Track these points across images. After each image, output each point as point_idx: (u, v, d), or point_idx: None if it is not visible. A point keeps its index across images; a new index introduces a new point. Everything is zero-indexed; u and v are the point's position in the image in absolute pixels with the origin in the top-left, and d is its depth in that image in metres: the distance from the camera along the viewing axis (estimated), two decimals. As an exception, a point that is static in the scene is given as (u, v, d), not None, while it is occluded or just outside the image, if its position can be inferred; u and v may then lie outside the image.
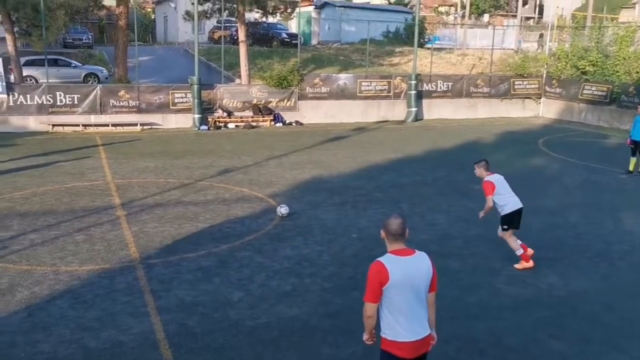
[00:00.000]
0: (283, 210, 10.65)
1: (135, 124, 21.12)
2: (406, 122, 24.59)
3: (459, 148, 18.40)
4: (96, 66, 26.92)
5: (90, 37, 37.68)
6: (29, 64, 23.99)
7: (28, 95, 20.14)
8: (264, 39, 34.07)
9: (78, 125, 20.44)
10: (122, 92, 21.44)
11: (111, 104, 21.19)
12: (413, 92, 24.76)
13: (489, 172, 8.30)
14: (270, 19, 30.72)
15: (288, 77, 23.30)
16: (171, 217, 10.54)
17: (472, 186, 13.29)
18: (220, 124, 22.22)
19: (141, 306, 6.94)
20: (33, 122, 20.16)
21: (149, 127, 21.43)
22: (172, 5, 41.15)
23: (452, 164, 15.69)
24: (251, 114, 23.00)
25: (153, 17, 53.73)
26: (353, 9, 42.45)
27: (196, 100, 21.48)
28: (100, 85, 21.66)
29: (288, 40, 33.73)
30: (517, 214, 8.27)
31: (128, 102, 21.42)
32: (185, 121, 21.85)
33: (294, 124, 23.38)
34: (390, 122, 24.43)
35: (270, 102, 23.35)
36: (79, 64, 26.94)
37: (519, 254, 8.33)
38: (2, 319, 6.53)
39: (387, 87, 25.19)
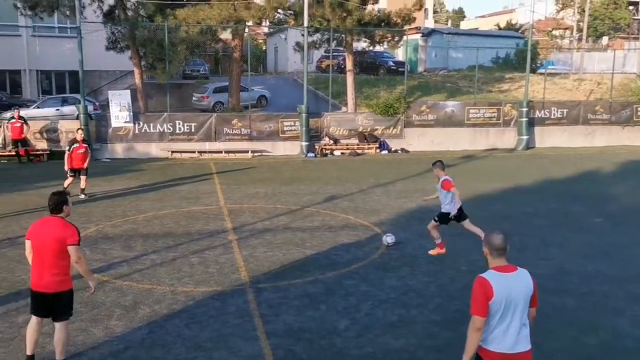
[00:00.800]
0: (389, 239, 10.61)
1: (247, 151, 22.03)
2: (516, 150, 23.78)
3: (574, 178, 17.48)
4: (264, 90, 29.53)
5: (206, 68, 40.01)
6: (217, 91, 28.09)
7: (151, 124, 21.68)
8: (371, 67, 34.48)
9: (194, 152, 21.66)
10: (235, 121, 22.51)
11: (225, 132, 22.29)
12: (524, 119, 23.95)
13: (444, 172, 9.80)
14: (378, 48, 31.05)
15: (394, 104, 23.39)
16: (279, 242, 10.83)
17: (590, 219, 12.57)
18: (327, 151, 22.64)
19: (251, 329, 7.16)
20: (155, 149, 21.63)
21: (259, 154, 22.27)
22: (283, 36, 42.78)
23: (566, 195, 14.94)
24: (357, 141, 23.25)
25: (264, 48, 56.07)
26: (461, 35, 41.97)
27: (304, 128, 22.09)
28: (216, 114, 22.85)
29: (395, 68, 33.93)
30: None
31: (240, 130, 22.43)
32: (293, 148, 22.50)
33: (399, 152, 23.34)
34: (499, 151, 23.73)
35: (376, 129, 23.51)
36: (253, 88, 29.45)
37: (437, 242, 9.98)
38: (127, 334, 7.00)
39: (496, 114, 24.55)
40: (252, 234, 11.41)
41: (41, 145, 21.00)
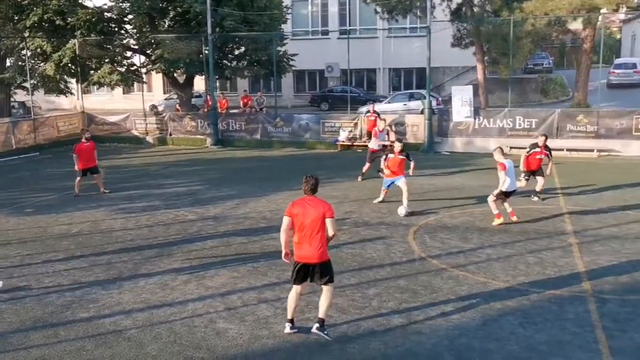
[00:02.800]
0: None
1: (592, 150, 20.35)
2: None
3: None
4: None
5: (550, 61, 38.15)
6: None
7: (491, 119, 21.73)
8: None
9: (533, 148, 20.93)
10: (580, 117, 20.97)
11: (568, 129, 20.98)
12: None
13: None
14: None
15: None
16: (629, 252, 9.80)
17: None
18: (695, 154, 19.41)
19: (592, 342, 6.71)
20: (493, 144, 21.54)
21: (607, 153, 20.32)
22: (644, 22, 37.95)
23: None
24: None
25: (619, 37, 50.70)
26: None
27: (666, 126, 19.33)
28: (559, 110, 21.67)
29: None
30: None
31: (585, 127, 20.82)
32: (650, 149, 19.91)
33: None
34: None
35: None
36: None
37: None
38: (462, 322, 7.28)
39: None
40: (596, 239, 10.57)
41: (390, 137, 22.94)
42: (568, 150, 20.62)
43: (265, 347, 6.75)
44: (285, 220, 6.72)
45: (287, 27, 31.96)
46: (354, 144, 23.07)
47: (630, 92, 31.23)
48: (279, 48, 27.61)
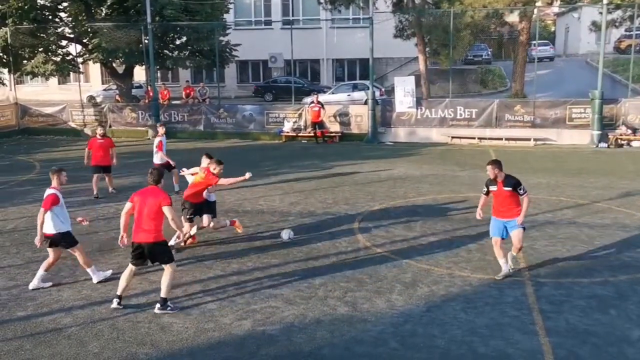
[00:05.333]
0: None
1: (529, 139, 21.06)
2: None
3: None
4: None
5: (489, 53, 39.12)
6: None
7: (433, 109, 22.18)
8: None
9: (474, 138, 21.51)
10: (517, 107, 21.67)
11: (506, 119, 21.64)
12: None
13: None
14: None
15: None
16: (563, 237, 10.22)
17: None
18: (622, 142, 20.35)
19: (529, 323, 6.96)
20: (435, 134, 22.09)
21: (542, 142, 21.09)
22: (576, 15, 39.46)
23: None
24: (662, 131, 20.34)
25: (553, 30, 52.52)
26: None
27: (596, 116, 20.19)
28: (497, 100, 22.30)
29: None
30: None
31: (523, 117, 21.53)
32: (581, 138, 20.77)
33: None
34: None
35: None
36: None
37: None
38: (406, 309, 7.42)
39: None
40: (532, 225, 10.92)
41: (334, 127, 23.12)
42: (506, 139, 21.30)
43: (211, 341, 6.69)
44: (127, 206, 7.52)
45: (229, 17, 31.52)
46: (299, 134, 23.08)
47: (548, 64, 33.21)
48: (221, 38, 27.23)
